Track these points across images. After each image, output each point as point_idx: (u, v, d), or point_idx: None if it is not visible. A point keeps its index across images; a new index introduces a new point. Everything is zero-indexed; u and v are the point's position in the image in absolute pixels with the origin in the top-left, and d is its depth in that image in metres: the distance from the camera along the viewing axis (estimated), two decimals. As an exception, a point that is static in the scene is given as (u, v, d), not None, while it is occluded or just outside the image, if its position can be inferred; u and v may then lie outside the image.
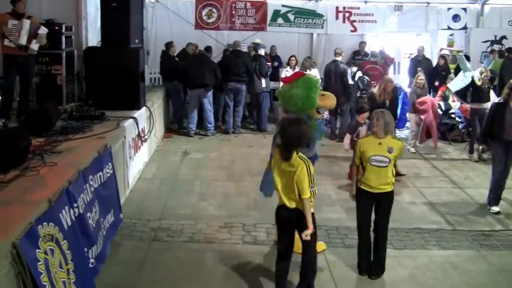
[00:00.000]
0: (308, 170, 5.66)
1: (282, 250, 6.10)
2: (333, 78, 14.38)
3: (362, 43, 18.28)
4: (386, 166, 6.45)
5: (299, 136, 5.70)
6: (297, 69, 14.41)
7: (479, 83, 12.14)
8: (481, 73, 12.25)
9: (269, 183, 7.40)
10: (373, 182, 6.51)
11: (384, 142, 6.52)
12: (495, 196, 9.25)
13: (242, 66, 14.44)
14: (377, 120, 6.58)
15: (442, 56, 16.78)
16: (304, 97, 7.00)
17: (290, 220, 5.93)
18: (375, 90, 11.26)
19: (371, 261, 6.82)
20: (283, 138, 5.80)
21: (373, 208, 6.71)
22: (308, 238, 5.70)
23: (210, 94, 14.12)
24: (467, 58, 15.22)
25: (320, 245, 7.40)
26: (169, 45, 14.97)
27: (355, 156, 6.77)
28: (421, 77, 13.17)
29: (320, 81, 15.14)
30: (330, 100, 7.71)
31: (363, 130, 9.85)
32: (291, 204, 5.84)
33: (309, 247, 5.99)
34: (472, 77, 12.38)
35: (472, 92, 12.56)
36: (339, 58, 14.78)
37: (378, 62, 15.74)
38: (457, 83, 13.79)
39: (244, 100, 14.95)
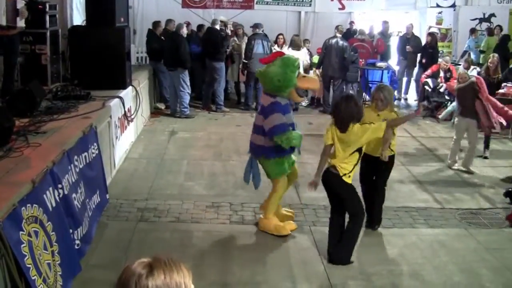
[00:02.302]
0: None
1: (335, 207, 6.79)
2: (334, 53, 14.52)
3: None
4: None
5: (351, 112, 6.23)
6: (285, 47, 14.34)
7: (483, 72, 11.50)
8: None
9: (254, 173, 7.45)
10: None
11: (382, 114, 7.06)
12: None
13: (216, 44, 14.31)
14: (378, 94, 7.18)
15: (430, 34, 16.75)
16: (280, 73, 6.99)
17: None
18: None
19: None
20: (337, 114, 6.39)
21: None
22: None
23: (182, 74, 13.71)
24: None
25: (291, 225, 7.47)
26: (156, 24, 14.80)
27: None
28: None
29: (309, 59, 15.16)
30: (312, 82, 7.72)
31: None
32: (333, 162, 6.49)
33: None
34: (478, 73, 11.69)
35: None
36: (340, 35, 14.84)
37: (366, 40, 15.81)
38: None
39: (220, 79, 14.64)
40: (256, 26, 14.98)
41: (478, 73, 11.39)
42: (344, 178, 6.36)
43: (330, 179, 6.52)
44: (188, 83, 13.86)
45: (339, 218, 6.73)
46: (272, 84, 7.05)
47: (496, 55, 11.54)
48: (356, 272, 6.44)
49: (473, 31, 18.19)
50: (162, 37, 14.56)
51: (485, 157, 11.02)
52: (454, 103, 11.65)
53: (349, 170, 6.37)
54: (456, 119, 10.36)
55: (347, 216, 6.68)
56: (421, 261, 6.75)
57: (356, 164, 6.45)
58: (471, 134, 10.16)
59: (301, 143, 7.35)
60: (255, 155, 7.44)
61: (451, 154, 10.43)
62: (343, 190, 6.49)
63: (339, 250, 6.65)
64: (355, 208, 6.58)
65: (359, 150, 6.37)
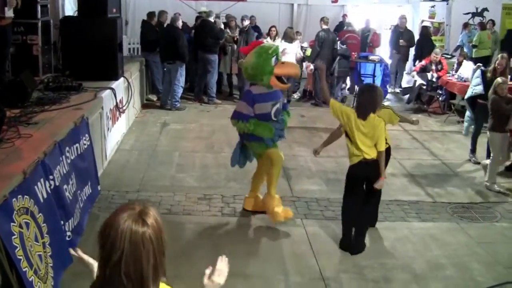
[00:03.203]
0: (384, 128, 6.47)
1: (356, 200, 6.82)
2: (327, 46, 14.52)
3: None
4: None
5: (372, 101, 6.44)
6: (277, 40, 14.31)
7: (489, 75, 10.11)
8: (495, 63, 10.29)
9: (237, 155, 7.49)
10: None
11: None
12: None
13: (209, 36, 14.26)
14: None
15: (423, 27, 16.81)
16: (252, 63, 7.11)
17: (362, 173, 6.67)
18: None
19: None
20: (360, 101, 6.66)
21: None
22: (381, 186, 6.67)
23: (180, 68, 13.69)
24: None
25: (288, 212, 7.48)
26: (151, 14, 14.70)
27: None
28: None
29: (303, 51, 15.13)
30: (290, 68, 7.67)
31: None
32: (365, 155, 6.50)
33: (376, 197, 7.08)
34: (482, 71, 10.75)
35: (484, 87, 10.32)
36: (326, 27, 14.85)
37: (355, 31, 15.89)
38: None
39: (214, 71, 14.60)
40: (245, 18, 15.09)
41: (483, 72, 10.58)
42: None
43: (367, 168, 6.57)
44: (184, 77, 13.84)
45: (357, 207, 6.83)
46: (246, 73, 7.25)
47: (505, 55, 10.30)
48: (348, 265, 6.45)
49: (466, 25, 18.22)
50: (157, 29, 14.49)
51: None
52: (468, 114, 11.11)
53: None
54: (489, 134, 9.22)
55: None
56: (412, 255, 6.76)
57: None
58: (504, 148, 9.25)
59: (275, 136, 7.35)
60: (240, 138, 7.58)
61: (490, 175, 9.12)
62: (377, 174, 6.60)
63: (361, 240, 6.84)
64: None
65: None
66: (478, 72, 10.67)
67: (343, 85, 16.02)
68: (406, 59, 17.14)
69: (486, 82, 10.03)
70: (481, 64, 12.17)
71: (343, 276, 6.18)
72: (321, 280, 6.08)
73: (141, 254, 2.29)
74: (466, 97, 10.78)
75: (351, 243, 6.81)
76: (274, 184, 7.45)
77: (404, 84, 17.24)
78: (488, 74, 10.05)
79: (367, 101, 6.45)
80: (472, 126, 10.67)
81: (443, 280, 6.22)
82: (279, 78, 7.22)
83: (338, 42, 15.05)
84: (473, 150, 10.51)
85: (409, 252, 6.83)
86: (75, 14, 10.90)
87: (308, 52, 15.56)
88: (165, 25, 14.30)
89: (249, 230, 7.28)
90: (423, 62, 14.60)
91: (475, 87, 10.64)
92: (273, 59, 7.14)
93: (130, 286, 2.27)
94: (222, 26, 15.15)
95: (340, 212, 7.01)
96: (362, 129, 6.42)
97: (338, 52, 14.81)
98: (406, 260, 6.61)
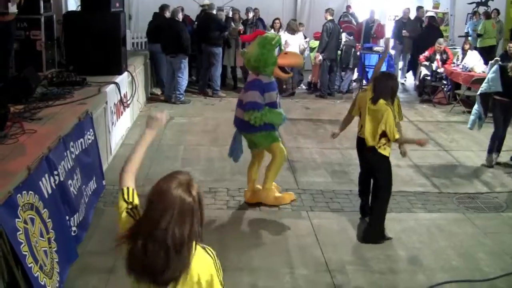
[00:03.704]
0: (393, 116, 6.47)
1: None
2: (335, 37, 14.65)
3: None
4: None
5: (386, 89, 6.50)
6: (281, 32, 14.29)
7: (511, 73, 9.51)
8: None
9: (236, 148, 7.50)
10: None
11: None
12: None
13: (213, 29, 14.25)
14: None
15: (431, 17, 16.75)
16: (255, 54, 7.10)
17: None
18: None
19: None
20: (375, 87, 6.60)
21: None
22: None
23: (183, 60, 13.69)
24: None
25: (291, 195, 7.68)
26: (164, 7, 14.55)
27: None
28: None
29: (306, 44, 15.11)
30: (294, 58, 7.75)
31: None
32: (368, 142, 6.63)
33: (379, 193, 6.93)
34: (500, 66, 9.86)
35: (502, 84, 9.67)
36: (331, 17, 14.89)
37: (351, 22, 16.08)
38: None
39: (218, 64, 14.60)
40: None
41: (501, 69, 9.48)
42: (379, 150, 6.58)
43: (366, 152, 6.80)
44: (187, 70, 13.82)
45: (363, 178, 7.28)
46: (249, 64, 7.23)
47: None
48: (354, 257, 6.44)
49: (474, 13, 18.13)
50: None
51: None
52: (476, 107, 10.17)
53: (383, 143, 6.56)
54: None
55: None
56: (418, 246, 6.75)
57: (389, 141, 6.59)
58: None
59: (283, 121, 7.46)
60: (239, 129, 7.56)
61: None
62: (377, 162, 6.70)
63: (368, 229, 6.93)
64: (385, 181, 6.79)
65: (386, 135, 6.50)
66: (496, 67, 9.89)
67: (352, 77, 16.02)
68: (409, 50, 17.07)
69: (505, 79, 9.48)
70: (499, 59, 11.68)
71: (349, 268, 6.17)
72: (327, 272, 6.07)
73: (186, 220, 2.70)
74: (480, 92, 10.22)
75: (366, 212, 7.19)
76: (272, 178, 7.54)
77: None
78: (509, 73, 9.38)
79: (383, 88, 6.52)
80: (478, 121, 10.27)
81: (449, 270, 6.20)
82: (282, 68, 7.23)
83: (344, 34, 15.11)
84: (491, 151, 9.81)
85: (415, 243, 6.82)
86: (78, 9, 10.90)
87: (313, 44, 15.55)
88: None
89: (254, 223, 7.27)
90: (426, 53, 14.55)
91: (492, 83, 9.77)
92: (276, 49, 7.16)
93: (172, 245, 2.66)
94: (224, 18, 15.13)
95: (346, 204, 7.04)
96: (373, 112, 6.56)
97: (346, 43, 15.08)
98: (412, 251, 6.60)
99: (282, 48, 7.42)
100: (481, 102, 10.00)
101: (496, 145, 9.70)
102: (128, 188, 3.19)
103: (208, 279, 2.84)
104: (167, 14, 14.28)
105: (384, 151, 6.58)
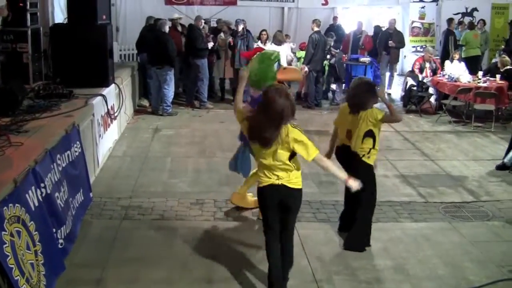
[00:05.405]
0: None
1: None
2: (320, 48, 14.72)
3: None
4: None
5: (364, 98, 6.58)
6: (268, 44, 14.34)
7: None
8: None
9: (245, 162, 7.59)
10: None
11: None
12: None
13: (200, 41, 14.34)
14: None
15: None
16: (255, 69, 7.15)
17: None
18: None
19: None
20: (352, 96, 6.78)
21: None
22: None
23: (169, 72, 13.72)
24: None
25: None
26: (156, 20, 14.57)
27: None
28: None
29: (292, 54, 15.19)
30: (292, 73, 7.86)
31: None
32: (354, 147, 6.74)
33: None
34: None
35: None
36: (318, 28, 14.97)
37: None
38: None
39: (203, 76, 14.61)
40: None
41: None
42: (363, 158, 6.61)
43: (350, 158, 6.75)
44: (173, 81, 13.84)
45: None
46: (250, 79, 7.17)
47: None
48: (341, 267, 6.45)
49: (460, 23, 18.28)
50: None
51: None
52: None
53: (367, 152, 6.58)
54: None
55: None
56: (405, 255, 6.77)
57: (372, 148, 6.60)
58: None
59: None
60: (245, 143, 7.55)
61: None
62: (360, 171, 6.53)
63: (353, 236, 6.95)
64: (369, 191, 6.66)
65: (371, 135, 6.55)
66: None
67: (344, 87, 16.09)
68: (396, 60, 17.19)
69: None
70: None
71: (335, 278, 6.19)
72: (314, 283, 6.09)
73: (284, 108, 5.15)
74: None
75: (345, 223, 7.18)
76: (251, 185, 7.69)
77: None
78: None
79: (360, 97, 6.58)
80: None
81: (436, 279, 6.23)
82: (281, 83, 7.31)
83: (331, 46, 15.25)
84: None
85: (401, 252, 6.84)
86: (65, 22, 10.90)
87: (299, 54, 15.63)
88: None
89: (241, 234, 7.28)
90: (417, 63, 14.69)
91: None
92: (275, 65, 7.23)
93: (274, 118, 5.16)
94: (207, 31, 15.17)
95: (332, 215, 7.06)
96: (354, 121, 6.66)
97: (337, 57, 15.35)
98: (398, 261, 6.62)
99: (281, 64, 7.49)
100: None
101: None
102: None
103: (295, 137, 5.27)
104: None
105: (368, 159, 6.60)
